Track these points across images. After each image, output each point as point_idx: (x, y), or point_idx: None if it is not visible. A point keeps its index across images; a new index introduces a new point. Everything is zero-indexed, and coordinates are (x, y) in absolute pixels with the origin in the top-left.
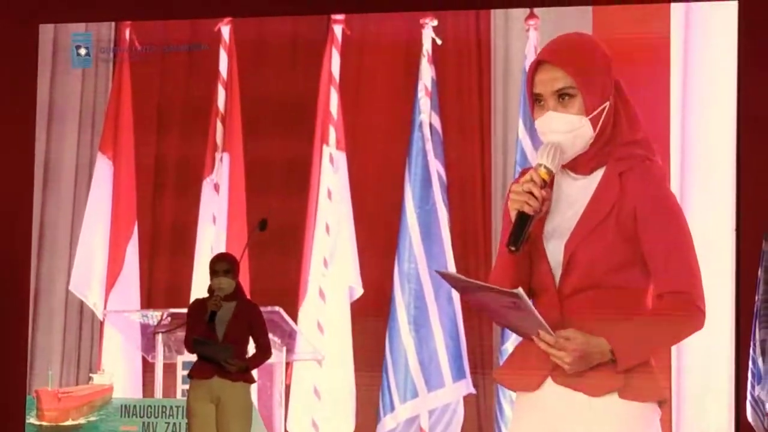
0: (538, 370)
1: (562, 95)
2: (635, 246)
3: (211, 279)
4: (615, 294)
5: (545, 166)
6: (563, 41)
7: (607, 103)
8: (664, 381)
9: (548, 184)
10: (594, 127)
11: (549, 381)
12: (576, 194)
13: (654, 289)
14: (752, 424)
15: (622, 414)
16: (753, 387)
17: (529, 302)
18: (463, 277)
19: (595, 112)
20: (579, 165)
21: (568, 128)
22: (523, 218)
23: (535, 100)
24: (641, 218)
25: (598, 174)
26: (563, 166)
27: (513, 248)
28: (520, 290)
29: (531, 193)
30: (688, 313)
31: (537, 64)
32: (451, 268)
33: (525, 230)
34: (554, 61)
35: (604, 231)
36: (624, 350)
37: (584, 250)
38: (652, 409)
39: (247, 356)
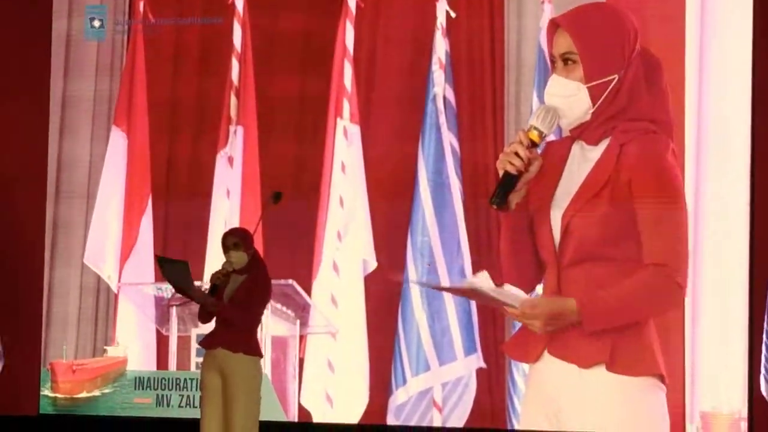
0: (535, 342)
1: (566, 60)
2: (631, 217)
3: (224, 254)
4: (610, 266)
5: (536, 128)
6: (582, 8)
7: (615, 77)
8: (670, 356)
9: (537, 146)
10: (594, 97)
11: (546, 353)
12: (584, 164)
13: (643, 258)
14: (766, 398)
15: (611, 386)
16: (767, 361)
17: (485, 289)
18: (432, 285)
19: (596, 83)
20: (586, 134)
21: (563, 93)
22: (506, 177)
23: (552, 63)
24: (636, 189)
25: (605, 144)
26: (576, 136)
27: (494, 205)
28: (473, 283)
29: (516, 153)
30: (667, 287)
31: (556, 28)
32: (464, 240)
33: (506, 188)
34: (563, 24)
35: (600, 202)
36: (590, 313)
37: (579, 221)
38: (649, 384)
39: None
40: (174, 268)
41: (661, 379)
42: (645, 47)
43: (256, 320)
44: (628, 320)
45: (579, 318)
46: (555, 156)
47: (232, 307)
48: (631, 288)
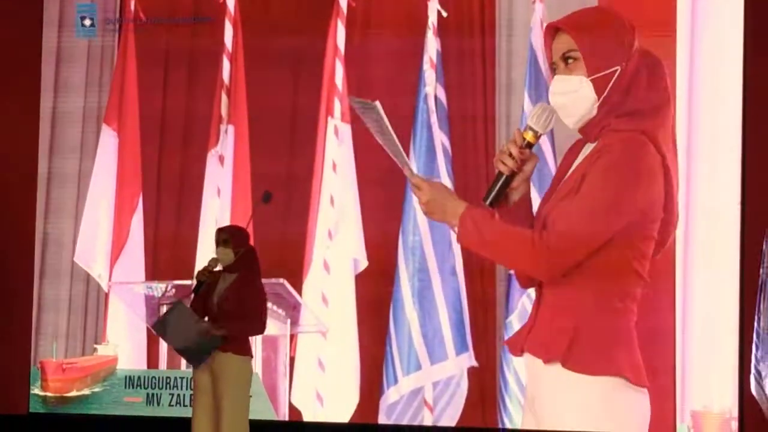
0: (518, 335)
1: (567, 59)
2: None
3: (215, 250)
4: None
5: (531, 127)
6: (578, 11)
7: (618, 69)
8: (661, 356)
9: (533, 146)
10: (599, 89)
11: (526, 347)
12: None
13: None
14: (756, 397)
15: (573, 383)
16: (757, 361)
17: (384, 118)
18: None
19: (599, 75)
20: (587, 132)
21: (566, 89)
22: (498, 177)
23: (553, 71)
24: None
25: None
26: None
27: (487, 203)
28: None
29: (510, 153)
30: (535, 248)
31: (554, 33)
32: (455, 240)
33: (499, 187)
34: (563, 26)
35: (570, 200)
36: (465, 225)
37: (553, 218)
38: (615, 384)
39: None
40: (176, 322)
41: (628, 380)
42: (645, 48)
43: (265, 322)
44: (491, 256)
45: (456, 223)
46: (569, 159)
47: (237, 325)
48: (509, 231)
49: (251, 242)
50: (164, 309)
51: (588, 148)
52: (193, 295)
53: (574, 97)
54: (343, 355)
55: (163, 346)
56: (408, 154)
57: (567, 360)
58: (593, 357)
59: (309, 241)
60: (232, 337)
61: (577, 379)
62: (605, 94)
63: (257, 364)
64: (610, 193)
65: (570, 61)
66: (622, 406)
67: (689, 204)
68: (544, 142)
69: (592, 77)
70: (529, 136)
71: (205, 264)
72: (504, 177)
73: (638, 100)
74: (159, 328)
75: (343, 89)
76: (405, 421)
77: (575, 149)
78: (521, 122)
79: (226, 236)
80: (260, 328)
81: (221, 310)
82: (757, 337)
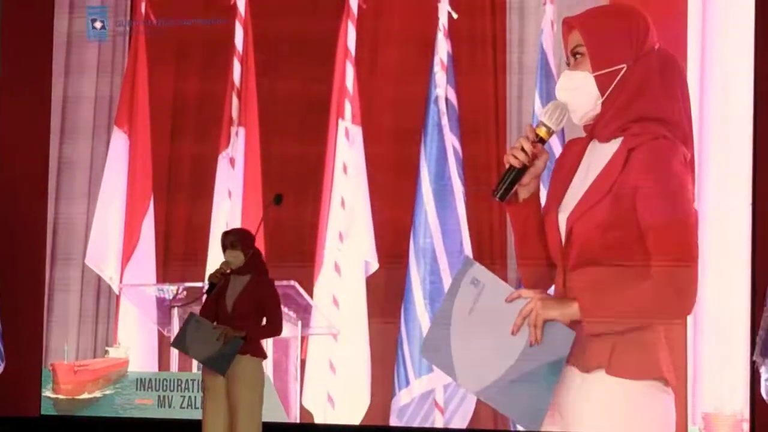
0: None
1: (575, 54)
2: (635, 224)
3: (222, 253)
4: (614, 271)
5: (544, 124)
6: (593, 8)
7: (623, 66)
8: (672, 358)
9: (545, 142)
10: (603, 86)
11: None
12: (594, 166)
13: (651, 266)
14: (766, 399)
15: (614, 390)
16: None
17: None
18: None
19: (603, 71)
20: (598, 130)
21: (571, 85)
22: (509, 170)
23: (568, 65)
24: (641, 196)
25: (615, 144)
26: (590, 134)
27: (497, 196)
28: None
29: (522, 148)
30: (673, 295)
31: (570, 29)
32: (467, 242)
33: (509, 181)
34: (574, 23)
35: (604, 208)
36: (592, 315)
37: (582, 225)
38: (651, 387)
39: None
40: (193, 334)
41: (665, 382)
42: (666, 49)
43: (282, 323)
44: (630, 325)
45: (581, 317)
46: (572, 155)
47: (262, 328)
48: (636, 294)
49: (262, 244)
50: (175, 311)
51: (600, 151)
52: (204, 297)
53: (578, 92)
54: (354, 357)
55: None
56: (418, 157)
57: (611, 366)
58: (638, 360)
59: (320, 243)
60: (250, 339)
61: (620, 385)
62: (609, 91)
63: (268, 366)
64: (688, 202)
65: (578, 56)
66: (656, 408)
67: (699, 202)
68: (555, 143)
69: (596, 74)
70: (542, 132)
71: (217, 267)
72: (515, 170)
73: (655, 101)
74: (179, 344)
75: (353, 91)
76: (416, 423)
77: (578, 149)
78: (533, 123)
79: (234, 239)
80: (279, 330)
81: (237, 312)
82: (766, 333)
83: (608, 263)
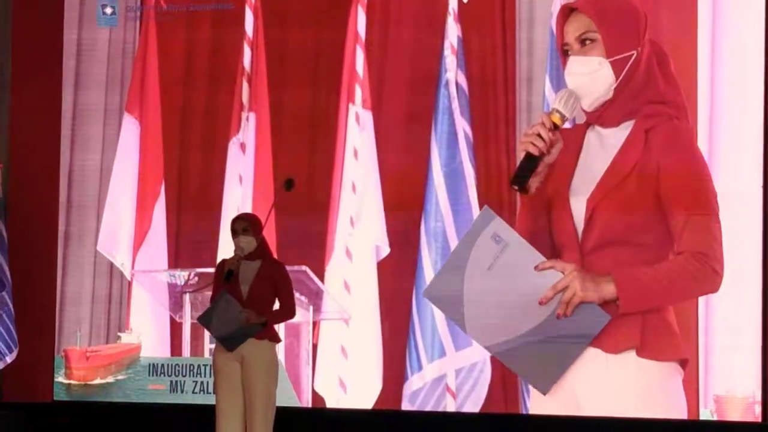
0: None
1: (584, 40)
2: (657, 204)
3: (232, 239)
4: (636, 251)
5: (558, 111)
6: None
7: (634, 53)
8: (684, 340)
9: (559, 129)
10: (617, 72)
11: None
12: (603, 149)
13: (675, 247)
14: None
15: (639, 372)
16: None
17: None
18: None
19: (618, 57)
20: (606, 117)
21: (586, 69)
22: (528, 158)
23: (564, 53)
24: (664, 177)
25: (626, 129)
26: (592, 122)
27: (516, 187)
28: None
29: (539, 135)
30: (703, 272)
31: (568, 14)
32: None
33: (529, 169)
34: (580, 7)
35: (626, 188)
36: (628, 290)
37: (605, 207)
38: (672, 368)
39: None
40: (222, 313)
41: (682, 363)
42: (652, 38)
43: (295, 306)
44: (664, 303)
45: (616, 294)
46: (568, 143)
47: (278, 313)
48: (669, 270)
49: (273, 229)
50: (187, 297)
51: (607, 137)
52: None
53: (594, 77)
54: (365, 342)
55: (186, 333)
56: (429, 141)
57: (642, 347)
58: (665, 342)
59: (331, 228)
60: (269, 324)
61: (646, 365)
62: (622, 77)
63: (280, 351)
64: (711, 182)
65: (587, 42)
66: (675, 389)
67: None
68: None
69: (612, 59)
70: (556, 119)
71: (232, 254)
72: (533, 158)
73: (660, 85)
74: (204, 319)
75: (363, 76)
76: (428, 408)
77: (574, 136)
78: (543, 107)
79: (246, 224)
80: (293, 313)
81: (255, 296)
82: None
83: (631, 243)
